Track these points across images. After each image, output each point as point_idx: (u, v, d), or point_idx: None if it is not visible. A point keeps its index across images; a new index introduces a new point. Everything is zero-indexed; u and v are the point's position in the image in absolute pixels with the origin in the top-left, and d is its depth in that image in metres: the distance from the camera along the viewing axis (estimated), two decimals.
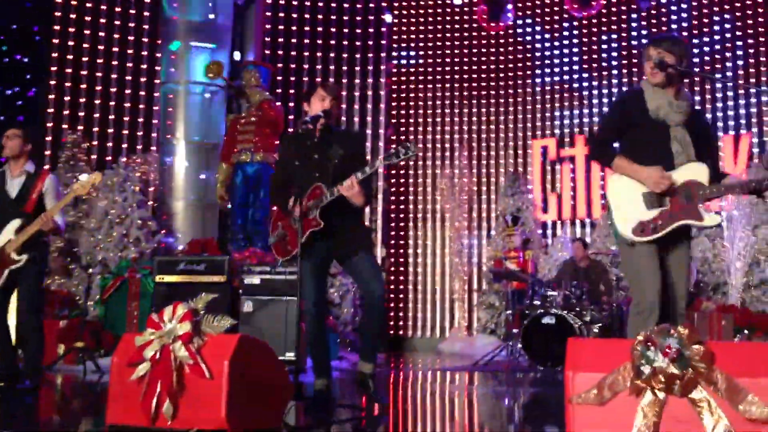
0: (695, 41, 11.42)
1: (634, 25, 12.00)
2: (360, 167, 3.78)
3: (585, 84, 12.11)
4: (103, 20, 10.74)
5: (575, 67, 12.21)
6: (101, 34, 10.72)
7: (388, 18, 12.44)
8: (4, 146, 4.79)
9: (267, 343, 3.15)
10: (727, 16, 11.33)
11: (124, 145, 10.50)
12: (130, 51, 10.83)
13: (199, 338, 2.88)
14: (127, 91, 10.77)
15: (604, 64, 12.07)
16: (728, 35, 11.27)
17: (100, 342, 6.76)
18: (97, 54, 10.66)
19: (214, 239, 9.08)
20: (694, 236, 9.58)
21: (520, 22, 12.60)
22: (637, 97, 3.50)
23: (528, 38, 12.57)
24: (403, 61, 12.93)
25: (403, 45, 12.99)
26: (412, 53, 12.97)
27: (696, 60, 11.33)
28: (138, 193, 8.92)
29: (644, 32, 11.87)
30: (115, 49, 10.76)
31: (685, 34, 11.40)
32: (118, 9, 10.83)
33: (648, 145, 3.42)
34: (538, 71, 12.35)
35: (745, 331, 7.82)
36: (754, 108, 10.95)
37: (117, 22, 10.82)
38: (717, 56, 11.30)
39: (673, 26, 11.66)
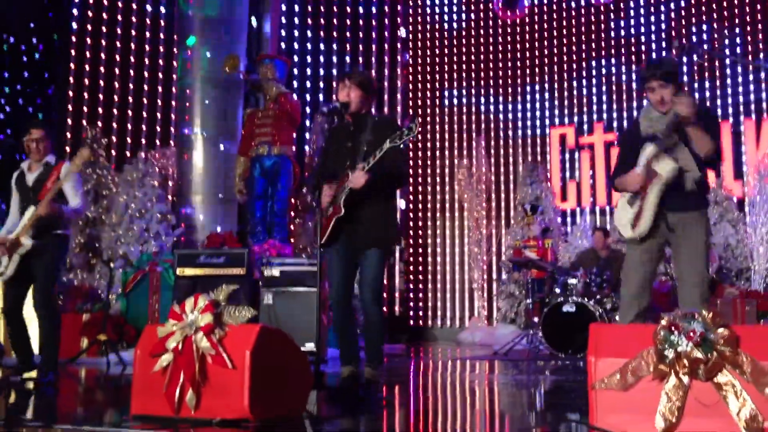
0: (724, 26, 11.27)
1: (642, 11, 11.86)
2: (385, 173, 3.84)
3: (604, 71, 12.00)
4: (119, 17, 10.80)
5: (593, 54, 12.10)
6: (118, 30, 10.79)
7: (402, 32, 12.40)
8: (28, 147, 4.85)
9: (287, 333, 3.17)
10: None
11: (143, 141, 10.58)
12: (147, 46, 10.90)
13: (221, 329, 2.90)
14: (145, 87, 10.84)
15: (622, 49, 11.95)
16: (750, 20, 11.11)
17: (123, 335, 6.83)
18: (114, 50, 10.73)
19: (233, 232, 9.13)
20: (712, 223, 9.49)
21: (536, 10, 12.50)
22: (634, 128, 3.80)
23: (545, 26, 12.48)
24: (420, 52, 12.89)
25: (420, 36, 12.94)
26: (428, 44, 12.92)
27: (726, 43, 11.19)
28: (157, 187, 8.98)
29: (653, 18, 11.74)
30: (132, 45, 10.83)
31: (703, 15, 11.26)
32: (134, 5, 10.89)
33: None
34: (555, 59, 12.26)
35: None
36: None
37: (133, 19, 10.88)
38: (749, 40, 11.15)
39: (692, 7, 11.51)
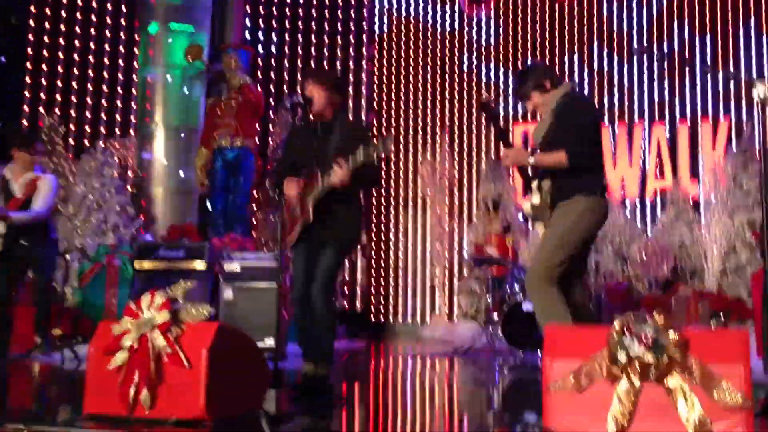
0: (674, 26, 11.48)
1: (614, 9, 12.01)
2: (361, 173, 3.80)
3: (566, 68, 12.13)
4: (80, 2, 10.56)
5: (556, 52, 12.21)
6: (78, 16, 10.55)
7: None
8: (14, 157, 5.56)
9: (245, 332, 3.15)
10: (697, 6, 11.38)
11: (102, 130, 10.37)
12: (107, 33, 10.67)
13: (178, 327, 2.87)
14: (105, 75, 10.63)
15: (584, 49, 12.08)
16: (702, 22, 11.32)
17: (78, 329, 6.71)
18: (74, 37, 10.50)
19: (194, 225, 9.03)
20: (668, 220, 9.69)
21: (501, 7, 12.57)
22: None
23: (510, 21, 12.55)
24: (385, 45, 12.88)
25: (386, 31, 12.92)
26: (395, 36, 12.90)
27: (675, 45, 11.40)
28: (116, 178, 8.83)
29: (624, 16, 11.91)
30: (93, 31, 10.60)
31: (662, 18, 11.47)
32: None
33: None
34: (519, 55, 12.34)
35: (721, 316, 7.92)
36: (732, 93, 11.03)
37: (94, 4, 10.65)
38: (693, 41, 11.37)
39: (653, 9, 11.69)
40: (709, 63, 11.02)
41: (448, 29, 12.69)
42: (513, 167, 3.69)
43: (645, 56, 11.46)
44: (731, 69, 10.79)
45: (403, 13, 12.91)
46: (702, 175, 10.57)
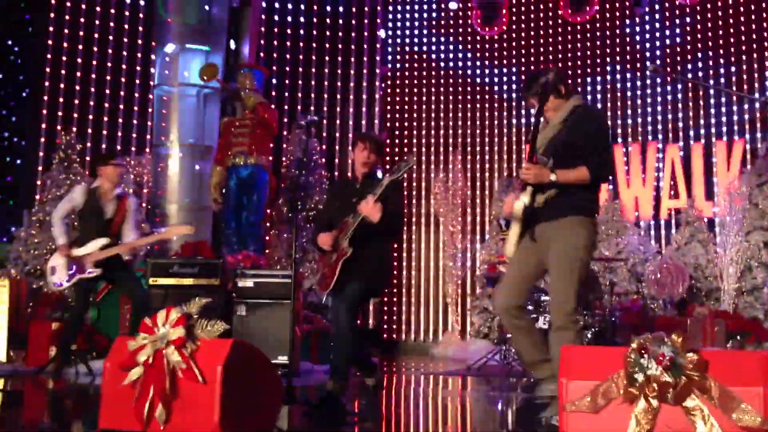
0: (688, 48, 11.49)
1: (627, 30, 12.05)
2: (390, 212, 4.03)
3: (580, 88, 12.15)
4: (97, 21, 10.71)
5: (569, 72, 12.24)
6: (96, 35, 10.69)
7: (381, 33, 12.44)
8: (100, 174, 5.86)
9: (259, 348, 3.15)
10: (716, 27, 11.39)
11: (119, 147, 10.46)
12: (124, 53, 10.81)
13: (193, 343, 2.87)
14: (122, 93, 10.74)
15: (597, 69, 12.11)
16: (721, 43, 11.32)
17: (93, 345, 6.73)
18: (91, 55, 10.63)
19: (208, 242, 9.06)
20: (683, 242, 9.63)
21: (514, 27, 12.64)
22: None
23: (522, 43, 12.60)
24: (398, 65, 12.95)
25: (398, 49, 13.00)
26: (407, 56, 12.98)
27: (689, 67, 11.40)
28: (132, 195, 8.87)
29: (638, 38, 11.93)
30: (110, 51, 10.73)
31: (678, 41, 11.48)
32: (112, 10, 10.80)
33: None
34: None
35: (738, 337, 7.84)
36: (746, 115, 11.01)
37: (111, 24, 10.79)
38: (710, 64, 11.36)
39: (666, 35, 11.71)
40: (724, 85, 11.00)
41: (460, 47, 12.76)
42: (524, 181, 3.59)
43: (658, 77, 11.45)
44: (747, 92, 10.76)
45: (416, 33, 12.99)
46: (717, 195, 10.51)
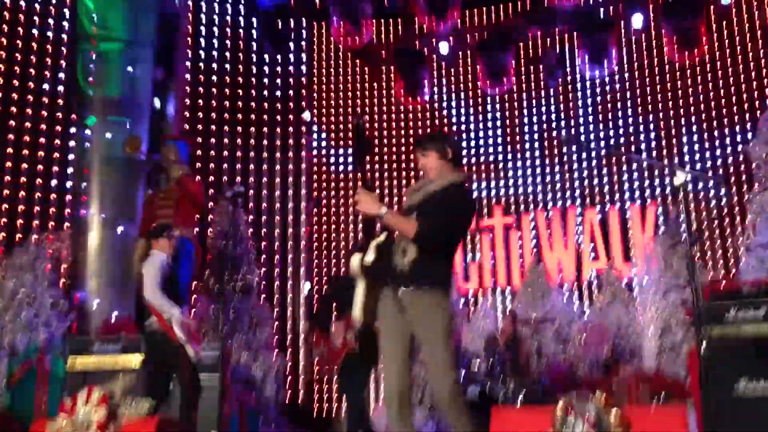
0: (608, 116, 12.10)
1: (543, 101, 12.61)
2: None
3: (500, 157, 12.56)
4: (14, 95, 10.45)
5: (490, 141, 12.67)
6: (13, 109, 10.42)
7: (306, 116, 12.62)
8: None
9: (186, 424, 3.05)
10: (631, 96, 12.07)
11: (36, 222, 10.10)
12: (42, 126, 10.54)
13: (115, 424, 2.77)
14: (40, 167, 10.43)
15: (522, 137, 12.58)
16: (638, 111, 11.99)
17: None
18: (7, 130, 10.34)
19: (131, 317, 8.77)
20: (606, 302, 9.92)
21: (436, 97, 13.05)
22: None
23: (444, 112, 13.01)
24: (324, 135, 13.14)
25: (323, 120, 13.21)
26: (333, 127, 13.19)
27: (611, 134, 11.97)
28: (49, 272, 8.55)
29: (558, 106, 12.50)
30: (28, 125, 10.46)
31: (597, 108, 12.08)
32: (31, 84, 10.59)
33: None
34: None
35: (661, 397, 8.00)
36: (657, 180, 11.60)
37: (30, 97, 10.55)
38: (628, 132, 11.97)
39: (586, 102, 12.32)
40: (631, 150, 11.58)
41: (384, 117, 13.06)
42: (362, 214, 3.58)
43: (573, 145, 11.99)
44: (659, 159, 11.35)
45: (341, 102, 13.21)
46: (633, 257, 10.92)
